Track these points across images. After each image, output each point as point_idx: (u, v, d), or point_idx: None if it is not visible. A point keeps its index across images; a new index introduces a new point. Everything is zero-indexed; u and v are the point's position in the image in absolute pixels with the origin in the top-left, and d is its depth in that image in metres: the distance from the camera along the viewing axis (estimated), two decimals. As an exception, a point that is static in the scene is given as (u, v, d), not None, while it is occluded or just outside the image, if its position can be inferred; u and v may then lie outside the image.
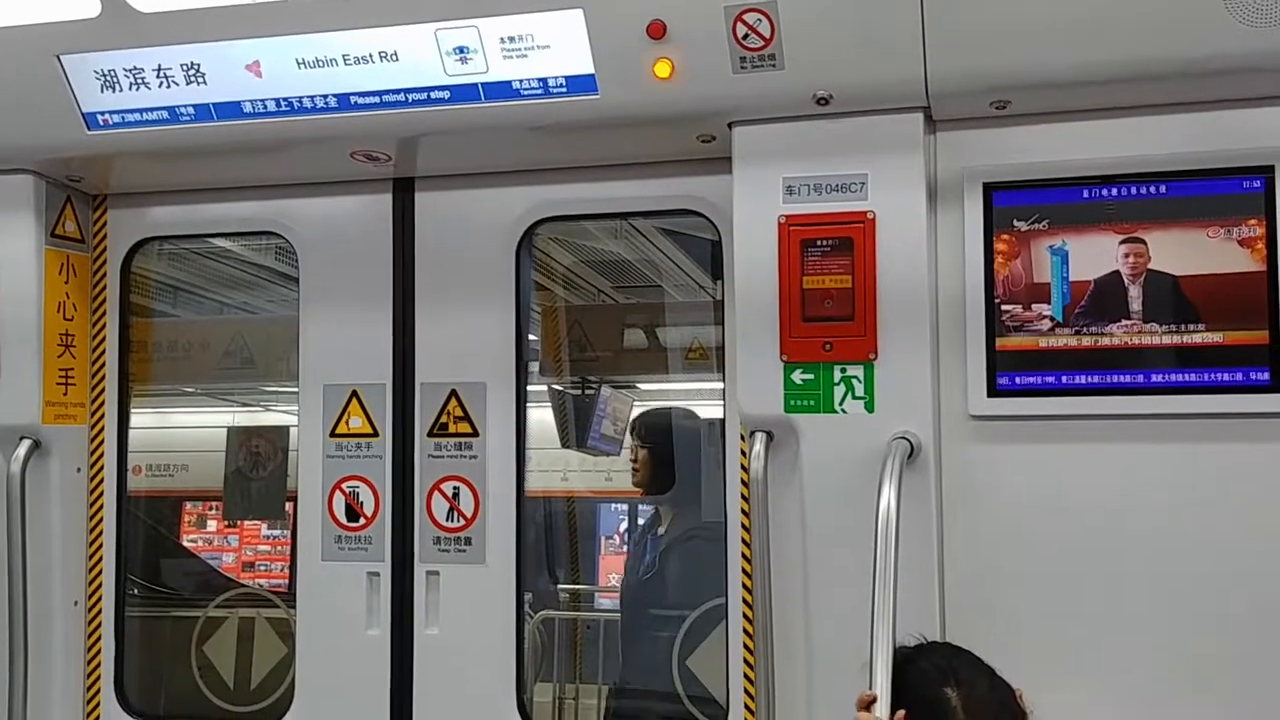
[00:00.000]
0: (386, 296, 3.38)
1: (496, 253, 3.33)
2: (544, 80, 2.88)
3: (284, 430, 4.15)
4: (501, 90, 2.91)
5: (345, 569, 3.38)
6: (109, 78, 3.10)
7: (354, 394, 3.41)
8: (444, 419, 3.34)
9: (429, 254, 3.38)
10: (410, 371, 3.37)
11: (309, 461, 3.45)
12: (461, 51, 2.88)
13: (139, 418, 4.06)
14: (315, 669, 3.40)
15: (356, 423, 3.40)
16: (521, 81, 2.89)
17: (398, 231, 3.41)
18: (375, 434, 3.39)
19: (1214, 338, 2.67)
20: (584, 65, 2.84)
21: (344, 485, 3.41)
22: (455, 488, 3.32)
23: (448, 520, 3.32)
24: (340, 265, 3.44)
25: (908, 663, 2.36)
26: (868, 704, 2.27)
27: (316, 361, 3.45)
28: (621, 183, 3.25)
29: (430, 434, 3.35)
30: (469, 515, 3.31)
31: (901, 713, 2.25)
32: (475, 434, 3.31)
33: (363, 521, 3.39)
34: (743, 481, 3.01)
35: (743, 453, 3.00)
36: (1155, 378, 2.69)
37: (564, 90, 2.88)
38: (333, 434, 3.43)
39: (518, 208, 3.33)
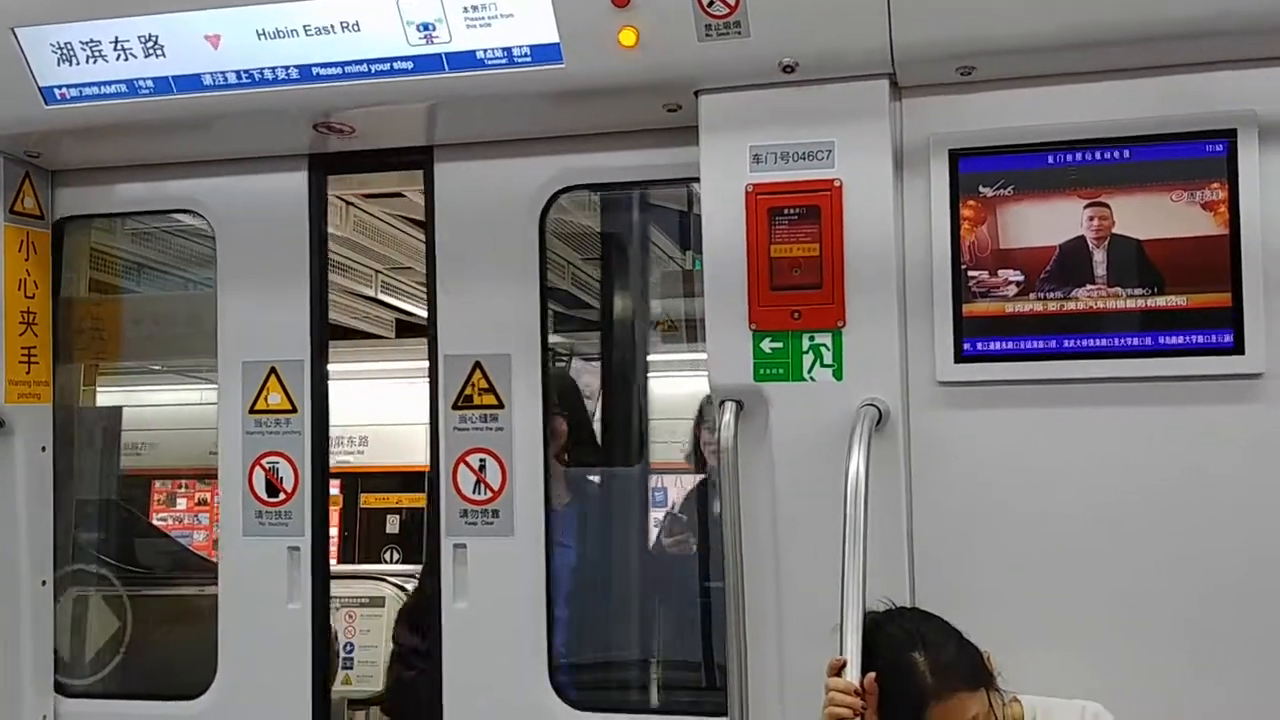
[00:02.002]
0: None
1: (482, 226, 3.29)
2: (508, 50, 2.85)
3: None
4: (465, 60, 2.88)
5: (266, 544, 3.39)
6: (65, 51, 3.05)
7: (273, 370, 3.42)
8: (468, 391, 3.31)
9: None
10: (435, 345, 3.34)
11: (229, 438, 3.45)
12: (425, 23, 2.85)
13: (105, 396, 4.04)
14: (237, 643, 3.41)
15: (275, 399, 3.41)
16: (485, 51, 2.87)
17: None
18: (294, 410, 3.40)
19: (1178, 301, 2.69)
20: (548, 34, 2.81)
21: (264, 461, 3.41)
22: (481, 460, 3.28)
23: (474, 493, 3.28)
24: (264, 243, 3.42)
25: (877, 628, 2.39)
26: (838, 669, 2.29)
27: (235, 338, 3.46)
28: (602, 154, 3.22)
29: (455, 406, 3.30)
30: (496, 488, 3.28)
31: (871, 676, 2.27)
32: (501, 406, 3.28)
33: (282, 497, 3.40)
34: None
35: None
36: (1120, 341, 2.71)
37: (528, 60, 2.85)
38: (252, 410, 3.43)
39: (509, 179, 3.28)
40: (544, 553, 3.24)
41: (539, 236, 3.28)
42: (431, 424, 3.31)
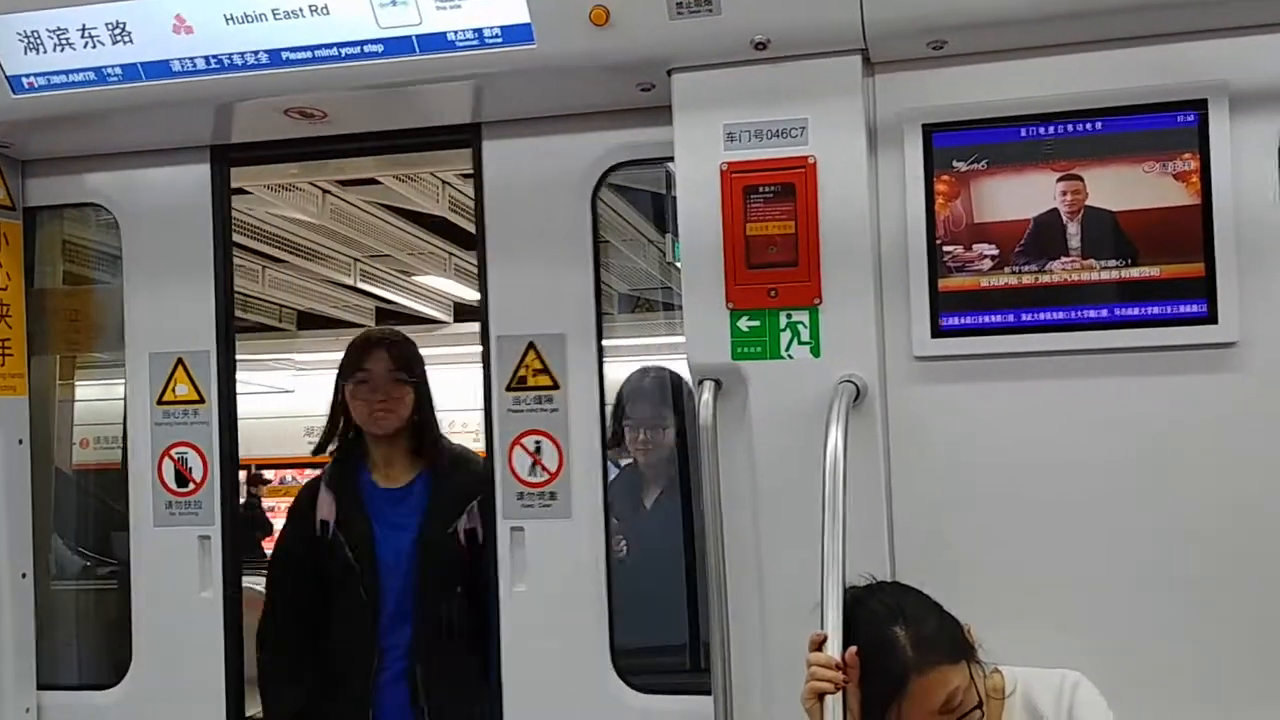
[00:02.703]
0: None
1: (532, 205, 3.24)
2: (479, 31, 2.84)
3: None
4: (436, 42, 2.87)
5: (176, 534, 3.41)
6: (32, 39, 3.02)
7: (179, 361, 3.44)
8: (522, 372, 3.27)
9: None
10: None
11: (138, 429, 3.47)
12: (394, 3, 2.83)
13: (84, 390, 4.01)
14: (151, 632, 3.44)
15: (183, 390, 3.44)
16: (456, 33, 2.85)
17: None
18: (202, 400, 3.42)
19: (1151, 272, 2.70)
20: (519, 14, 2.80)
21: (173, 452, 3.43)
22: (537, 442, 3.24)
23: (530, 475, 3.24)
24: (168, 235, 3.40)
25: (857, 603, 2.39)
26: (819, 644, 2.30)
27: (142, 329, 3.48)
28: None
29: (509, 388, 3.26)
30: (553, 470, 3.23)
31: (853, 650, 2.28)
32: (555, 386, 3.24)
33: (192, 487, 3.42)
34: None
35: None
36: (1095, 313, 2.72)
37: (500, 40, 2.84)
38: (160, 401, 3.44)
39: (560, 156, 3.24)
40: (604, 534, 3.20)
41: (592, 213, 3.23)
42: (485, 406, 3.27)
